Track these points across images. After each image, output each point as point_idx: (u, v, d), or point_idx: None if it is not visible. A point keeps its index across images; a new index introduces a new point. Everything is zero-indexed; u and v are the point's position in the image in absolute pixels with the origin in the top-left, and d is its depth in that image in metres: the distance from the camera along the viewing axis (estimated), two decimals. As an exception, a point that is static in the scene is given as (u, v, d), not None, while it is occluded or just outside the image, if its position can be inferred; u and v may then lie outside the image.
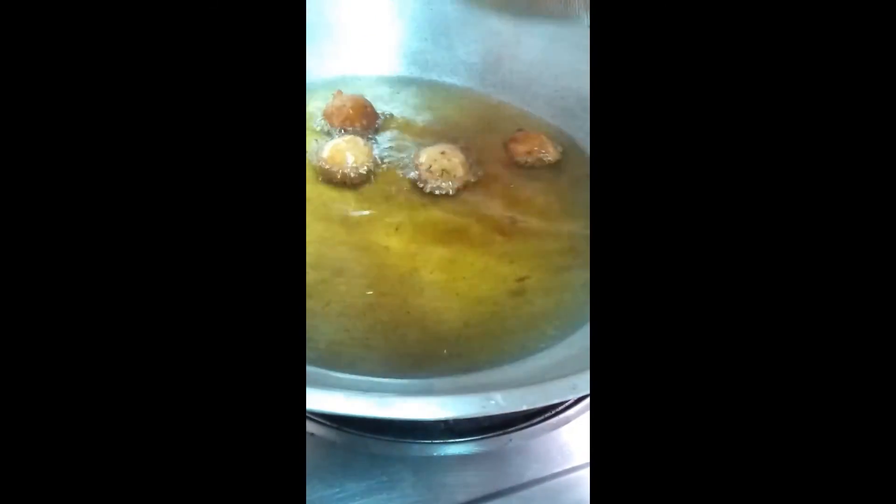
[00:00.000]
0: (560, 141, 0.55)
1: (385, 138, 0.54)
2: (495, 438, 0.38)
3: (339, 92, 0.55)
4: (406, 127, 0.56)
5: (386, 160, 0.52)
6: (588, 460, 0.36)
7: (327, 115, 0.54)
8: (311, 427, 0.36)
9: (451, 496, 0.35)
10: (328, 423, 0.37)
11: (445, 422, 0.37)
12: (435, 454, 0.36)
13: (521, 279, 0.43)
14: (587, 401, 0.40)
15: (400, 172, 0.50)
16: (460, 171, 0.49)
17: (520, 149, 0.53)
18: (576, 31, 0.57)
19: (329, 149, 0.50)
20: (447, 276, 0.43)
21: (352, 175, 0.49)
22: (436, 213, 0.48)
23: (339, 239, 0.44)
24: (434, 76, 0.62)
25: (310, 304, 0.39)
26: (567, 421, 0.39)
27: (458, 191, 0.49)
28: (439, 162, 0.49)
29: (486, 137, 0.55)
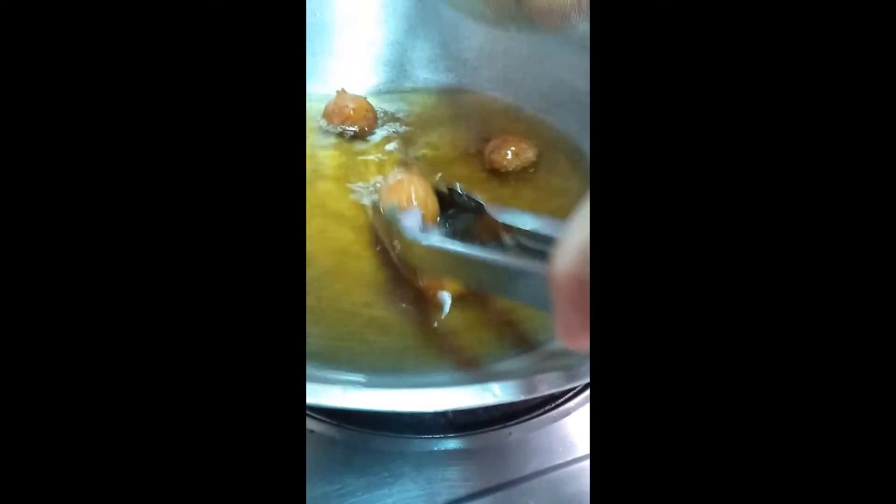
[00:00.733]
0: (552, 135, 0.55)
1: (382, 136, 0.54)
2: (495, 432, 0.38)
3: (343, 91, 0.54)
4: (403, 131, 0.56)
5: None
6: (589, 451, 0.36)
7: (327, 114, 0.53)
8: (311, 424, 0.37)
9: (452, 490, 0.35)
10: (328, 419, 0.37)
11: (445, 416, 0.38)
12: (435, 449, 0.36)
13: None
14: (587, 392, 0.40)
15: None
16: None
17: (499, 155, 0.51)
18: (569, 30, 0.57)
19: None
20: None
21: None
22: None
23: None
24: (427, 74, 0.62)
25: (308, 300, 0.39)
26: (568, 413, 0.39)
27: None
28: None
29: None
